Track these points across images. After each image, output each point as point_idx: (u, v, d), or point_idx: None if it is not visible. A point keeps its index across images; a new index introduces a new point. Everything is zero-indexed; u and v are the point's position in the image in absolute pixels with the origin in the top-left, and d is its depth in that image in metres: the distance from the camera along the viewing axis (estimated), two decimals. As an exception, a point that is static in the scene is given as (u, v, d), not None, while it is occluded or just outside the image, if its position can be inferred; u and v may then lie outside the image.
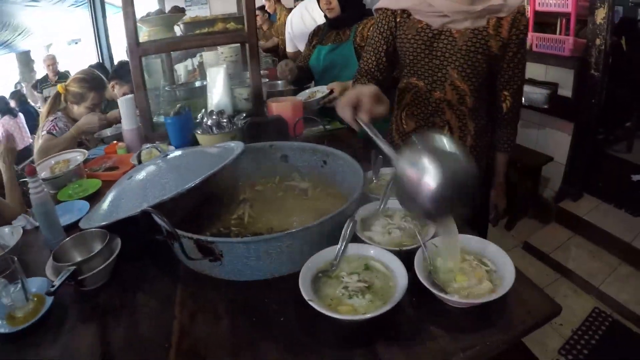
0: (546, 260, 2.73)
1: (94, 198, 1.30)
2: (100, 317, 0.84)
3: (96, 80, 2.25)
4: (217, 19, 1.55)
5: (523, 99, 3.01)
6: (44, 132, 2.07)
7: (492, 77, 1.25)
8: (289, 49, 2.91)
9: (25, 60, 7.43)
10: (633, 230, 2.77)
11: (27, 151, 4.87)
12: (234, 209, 1.14)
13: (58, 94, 2.22)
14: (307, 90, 1.98)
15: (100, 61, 4.07)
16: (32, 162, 2.14)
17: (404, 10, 1.22)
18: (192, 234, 0.84)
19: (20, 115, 5.23)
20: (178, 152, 1.20)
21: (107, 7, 5.40)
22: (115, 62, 4.69)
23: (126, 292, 0.90)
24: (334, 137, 1.62)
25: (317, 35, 2.24)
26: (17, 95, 5.88)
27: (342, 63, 1.83)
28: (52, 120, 2.12)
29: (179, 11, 1.70)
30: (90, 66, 3.40)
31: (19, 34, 6.04)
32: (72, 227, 1.11)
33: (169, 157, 1.13)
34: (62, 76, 5.16)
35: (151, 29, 1.68)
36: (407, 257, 0.82)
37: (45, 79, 5.51)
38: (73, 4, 5.74)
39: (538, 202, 3.17)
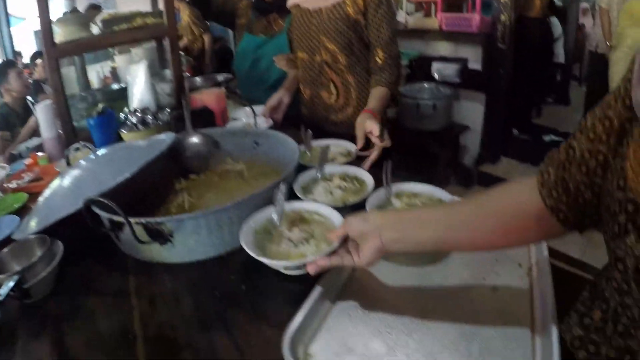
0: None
1: (21, 212, 1.20)
2: (53, 327, 0.79)
3: None
4: (136, 15, 1.50)
5: (436, 74, 3.26)
6: None
7: (362, 39, 1.53)
8: None
9: None
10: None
11: None
12: (172, 198, 1.12)
13: None
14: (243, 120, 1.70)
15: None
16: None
17: (297, 5, 1.62)
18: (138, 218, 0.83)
19: None
20: (107, 149, 1.16)
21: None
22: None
23: (76, 295, 0.86)
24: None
25: (244, 16, 1.96)
26: None
27: (270, 59, 1.75)
28: None
29: (95, 9, 1.61)
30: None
31: None
32: (6, 243, 1.00)
33: (99, 154, 1.10)
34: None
35: (66, 29, 1.58)
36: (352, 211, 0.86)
37: None
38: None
39: (459, 169, 3.40)
